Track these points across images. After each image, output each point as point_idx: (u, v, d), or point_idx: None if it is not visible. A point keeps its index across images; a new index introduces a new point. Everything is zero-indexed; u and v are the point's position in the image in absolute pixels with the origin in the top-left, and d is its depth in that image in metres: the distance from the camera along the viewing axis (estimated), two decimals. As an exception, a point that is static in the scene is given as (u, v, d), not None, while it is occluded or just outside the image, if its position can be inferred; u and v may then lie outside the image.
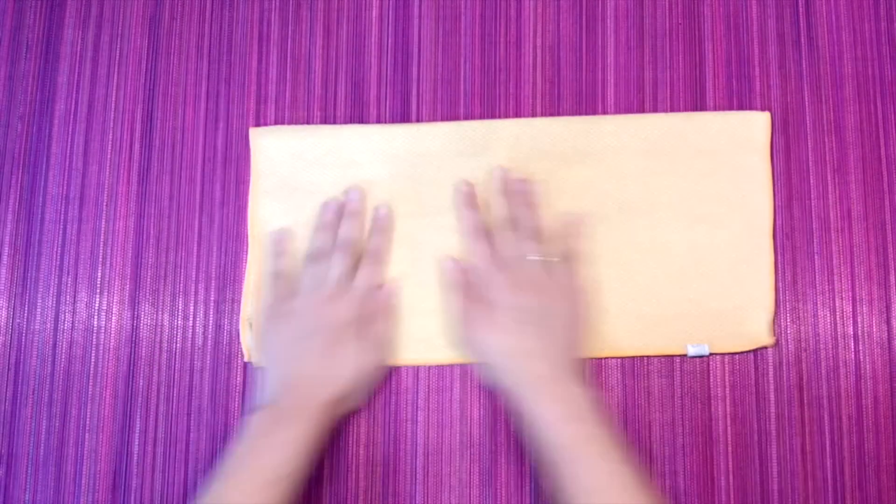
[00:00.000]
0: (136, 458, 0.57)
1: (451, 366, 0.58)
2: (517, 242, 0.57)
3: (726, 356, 0.57)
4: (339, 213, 0.59)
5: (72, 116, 0.62)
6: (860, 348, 0.57)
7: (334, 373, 0.54)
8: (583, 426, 0.50)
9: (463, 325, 0.56)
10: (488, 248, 0.57)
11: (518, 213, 0.58)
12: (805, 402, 0.57)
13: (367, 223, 0.60)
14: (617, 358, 0.58)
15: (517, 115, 0.61)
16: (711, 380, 0.57)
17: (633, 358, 0.58)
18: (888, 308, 0.58)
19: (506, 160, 0.60)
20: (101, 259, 0.60)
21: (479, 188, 0.60)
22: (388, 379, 0.58)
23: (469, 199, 0.59)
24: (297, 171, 0.60)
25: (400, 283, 0.59)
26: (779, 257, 0.59)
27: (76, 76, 0.63)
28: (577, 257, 0.58)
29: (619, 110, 0.61)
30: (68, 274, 0.60)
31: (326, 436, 0.53)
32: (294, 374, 0.54)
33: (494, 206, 0.59)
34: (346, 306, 0.56)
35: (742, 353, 0.57)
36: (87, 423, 0.58)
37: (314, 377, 0.53)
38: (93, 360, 0.59)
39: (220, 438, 0.58)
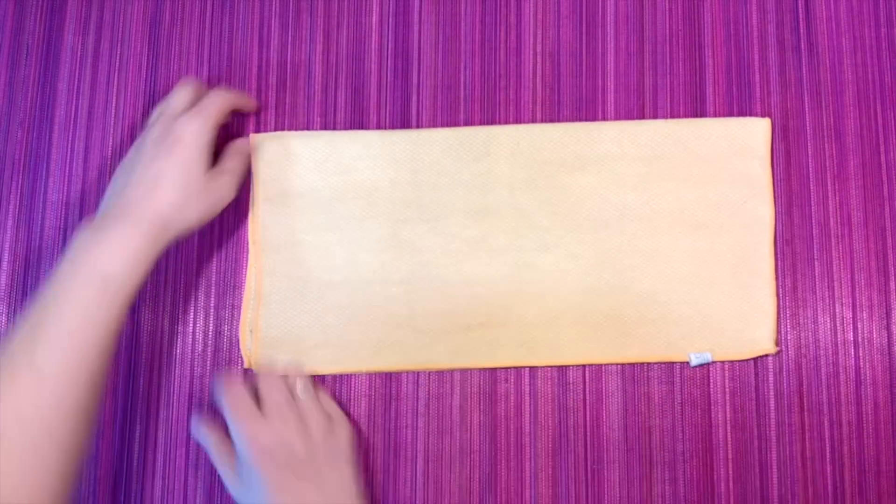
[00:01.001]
0: (136, 464, 0.57)
1: (451, 371, 0.58)
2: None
3: (726, 363, 0.57)
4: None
5: (72, 122, 0.62)
6: (860, 354, 0.57)
7: (168, 182, 0.52)
8: None
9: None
10: None
11: None
12: (805, 408, 0.57)
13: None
14: (617, 364, 0.58)
15: (517, 121, 0.61)
16: (711, 386, 0.57)
17: (633, 364, 0.58)
18: (888, 314, 0.58)
19: (506, 166, 0.60)
20: (100, 265, 0.60)
21: (483, 192, 0.60)
22: (387, 386, 0.58)
23: None
24: (297, 177, 0.60)
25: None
26: (779, 263, 0.59)
27: (76, 81, 0.63)
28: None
29: (618, 116, 0.61)
30: (68, 280, 0.60)
31: (157, 253, 0.51)
32: (128, 180, 0.52)
33: None
34: (192, 123, 0.53)
35: (744, 360, 0.57)
36: (87, 429, 0.58)
37: (145, 183, 0.52)
38: (93, 366, 0.59)
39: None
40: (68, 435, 0.44)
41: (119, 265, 0.48)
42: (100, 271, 0.47)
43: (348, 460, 0.54)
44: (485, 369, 0.58)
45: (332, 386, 0.58)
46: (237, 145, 0.59)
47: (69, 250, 0.49)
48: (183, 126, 0.54)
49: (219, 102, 0.56)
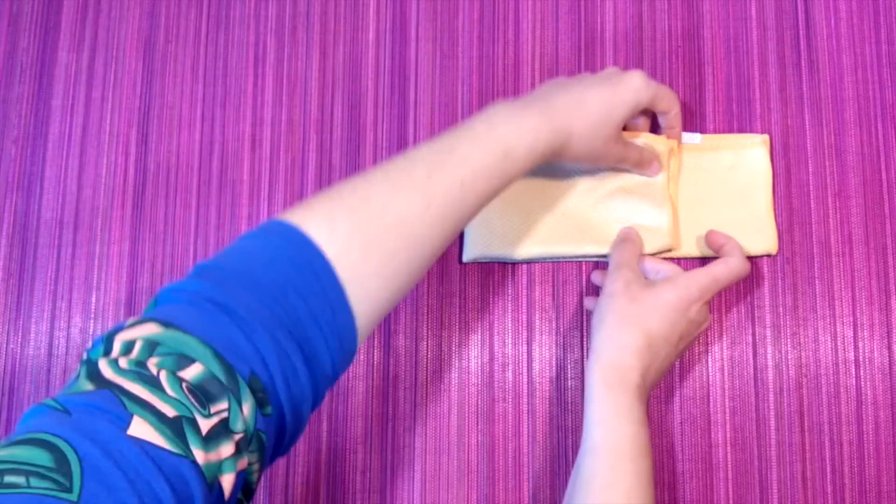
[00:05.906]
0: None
1: (448, 392, 0.58)
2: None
3: (726, 381, 0.57)
4: None
5: (66, 140, 0.62)
6: (861, 374, 0.57)
7: (592, 111, 0.53)
8: (610, 434, 0.50)
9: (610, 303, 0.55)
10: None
11: None
12: (806, 427, 0.56)
13: None
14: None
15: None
16: (711, 405, 0.57)
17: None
18: (889, 333, 0.57)
19: None
20: (95, 284, 0.60)
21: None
22: (384, 405, 0.58)
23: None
24: None
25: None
26: (779, 282, 0.58)
27: (70, 99, 0.62)
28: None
29: (618, 133, 0.60)
30: (62, 299, 0.59)
31: (544, 155, 0.52)
32: (560, 93, 0.53)
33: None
34: (641, 82, 0.55)
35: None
36: (82, 449, 0.58)
37: (574, 101, 0.53)
38: (87, 386, 0.58)
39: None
40: (418, 258, 0.47)
41: (522, 146, 0.50)
42: (505, 145, 0.50)
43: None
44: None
45: (329, 405, 0.58)
46: (655, 154, 0.58)
47: (484, 117, 0.51)
48: (633, 77, 0.55)
49: (669, 97, 0.57)
